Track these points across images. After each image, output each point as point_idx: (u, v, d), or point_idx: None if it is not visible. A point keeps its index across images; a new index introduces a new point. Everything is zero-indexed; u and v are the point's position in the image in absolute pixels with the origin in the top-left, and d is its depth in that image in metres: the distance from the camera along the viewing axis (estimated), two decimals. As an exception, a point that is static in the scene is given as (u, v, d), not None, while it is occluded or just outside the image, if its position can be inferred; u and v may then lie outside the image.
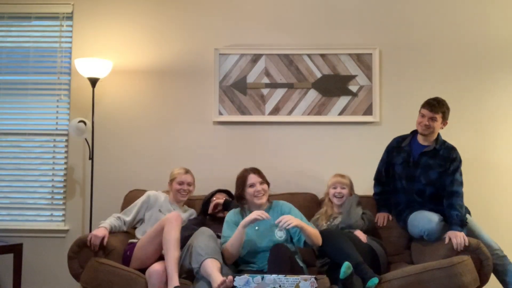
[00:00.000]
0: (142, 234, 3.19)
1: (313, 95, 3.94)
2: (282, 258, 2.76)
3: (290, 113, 3.94)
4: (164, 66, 4.01)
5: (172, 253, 2.82)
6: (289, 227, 2.77)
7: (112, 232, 3.14)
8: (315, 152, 3.93)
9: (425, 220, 3.11)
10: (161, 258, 2.97)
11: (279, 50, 3.95)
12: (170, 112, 3.99)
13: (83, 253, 3.00)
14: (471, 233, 3.17)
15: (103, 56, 3.95)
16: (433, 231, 3.05)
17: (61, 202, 4.01)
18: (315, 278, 2.61)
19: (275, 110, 3.94)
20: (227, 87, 3.96)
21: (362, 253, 2.94)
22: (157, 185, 3.61)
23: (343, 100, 3.92)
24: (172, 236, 2.87)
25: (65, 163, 4.02)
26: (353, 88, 3.93)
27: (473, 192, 3.71)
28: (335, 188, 3.41)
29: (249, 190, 3.04)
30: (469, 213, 3.38)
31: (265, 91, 3.95)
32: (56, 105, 4.07)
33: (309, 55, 3.95)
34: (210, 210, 3.48)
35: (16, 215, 4.01)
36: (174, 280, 2.74)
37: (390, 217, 3.47)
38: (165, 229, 2.91)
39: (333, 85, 3.93)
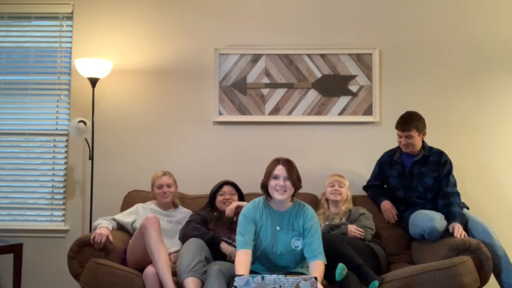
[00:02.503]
0: None
1: (313, 95, 3.94)
2: None
3: (290, 113, 3.94)
4: (164, 66, 4.01)
5: (158, 259, 2.81)
6: None
7: (110, 231, 3.16)
8: (315, 152, 3.93)
9: (426, 218, 3.12)
10: None
11: (279, 50, 3.95)
12: (170, 112, 3.99)
13: (83, 253, 3.01)
14: (469, 223, 3.20)
15: (103, 56, 3.95)
16: (434, 229, 3.05)
17: (61, 202, 4.01)
18: (315, 278, 2.61)
19: (275, 110, 3.94)
20: (227, 87, 3.96)
21: (362, 254, 2.95)
22: (157, 185, 3.60)
23: (343, 100, 3.92)
24: (152, 244, 2.86)
25: (65, 163, 4.02)
26: (353, 88, 3.93)
27: (473, 192, 3.72)
28: (332, 186, 3.42)
29: (272, 183, 2.78)
30: (467, 208, 3.42)
31: (265, 91, 3.95)
32: (56, 105, 4.07)
33: (309, 55, 3.95)
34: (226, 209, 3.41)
35: (16, 215, 4.01)
36: (169, 285, 2.75)
37: (396, 212, 3.45)
38: (145, 237, 2.91)
39: (333, 85, 3.93)
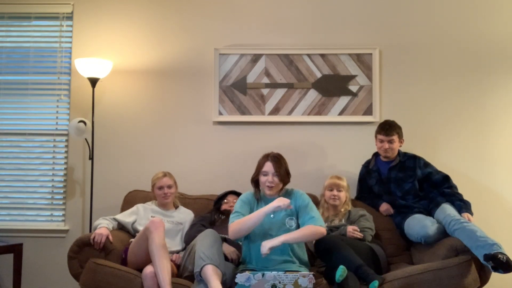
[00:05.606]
0: None
1: (313, 95, 3.94)
2: None
3: (290, 113, 3.94)
4: (164, 66, 4.01)
5: (159, 265, 2.80)
6: (272, 247, 2.71)
7: (110, 231, 3.16)
8: (315, 152, 3.93)
9: (417, 227, 3.19)
10: None
11: (279, 50, 3.95)
12: (170, 112, 3.99)
13: (83, 253, 3.01)
14: (442, 213, 3.21)
15: (103, 56, 3.95)
16: (428, 236, 3.11)
17: (61, 202, 4.01)
18: (313, 275, 2.65)
19: (275, 110, 3.94)
20: (227, 87, 3.96)
21: (363, 255, 2.95)
22: (157, 185, 3.60)
23: (343, 100, 3.92)
24: (154, 247, 2.85)
25: (65, 163, 4.02)
26: (353, 88, 3.93)
27: (473, 193, 3.71)
28: (331, 190, 3.42)
29: (262, 179, 2.96)
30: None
31: (265, 91, 3.95)
32: (56, 105, 4.07)
33: (309, 55, 3.95)
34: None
35: (16, 215, 4.01)
36: None
37: (392, 211, 3.52)
38: (149, 241, 2.90)
39: (333, 85, 3.93)
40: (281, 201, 2.76)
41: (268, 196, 2.97)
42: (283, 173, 2.95)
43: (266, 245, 2.72)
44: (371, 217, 3.38)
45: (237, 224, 2.83)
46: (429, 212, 3.32)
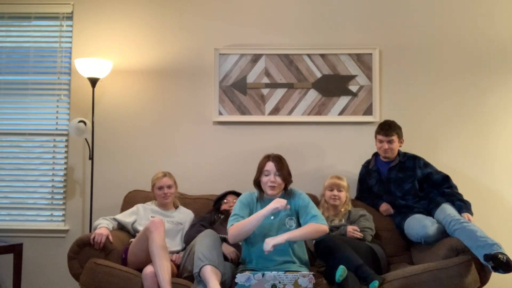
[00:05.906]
0: None
1: (313, 95, 3.94)
2: None
3: (290, 113, 3.94)
4: (164, 66, 4.01)
5: (159, 266, 2.80)
6: (275, 245, 2.74)
7: (110, 231, 3.16)
8: (315, 152, 3.93)
9: (417, 227, 3.19)
10: None
11: (279, 50, 3.95)
12: (170, 112, 4.00)
13: (83, 253, 3.00)
14: (442, 214, 3.20)
15: (103, 56, 3.95)
16: (428, 236, 3.11)
17: (61, 202, 4.01)
18: (313, 275, 2.66)
19: (275, 110, 3.94)
20: (227, 87, 3.96)
21: (363, 255, 2.95)
22: (157, 185, 3.60)
23: (343, 100, 3.92)
24: (154, 247, 2.86)
25: (65, 163, 4.02)
26: (353, 88, 3.93)
27: (473, 193, 3.71)
28: (331, 190, 3.43)
29: (264, 179, 2.98)
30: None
31: (265, 91, 3.95)
32: (56, 105, 4.07)
33: (309, 55, 3.95)
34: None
35: (16, 215, 4.01)
36: None
37: (392, 211, 3.52)
38: (149, 241, 2.91)
39: (333, 85, 3.93)
40: (278, 202, 2.78)
41: (270, 197, 2.97)
42: (285, 173, 2.98)
43: (269, 243, 2.73)
44: (371, 217, 3.38)
45: (236, 228, 2.84)
46: (429, 212, 3.33)
